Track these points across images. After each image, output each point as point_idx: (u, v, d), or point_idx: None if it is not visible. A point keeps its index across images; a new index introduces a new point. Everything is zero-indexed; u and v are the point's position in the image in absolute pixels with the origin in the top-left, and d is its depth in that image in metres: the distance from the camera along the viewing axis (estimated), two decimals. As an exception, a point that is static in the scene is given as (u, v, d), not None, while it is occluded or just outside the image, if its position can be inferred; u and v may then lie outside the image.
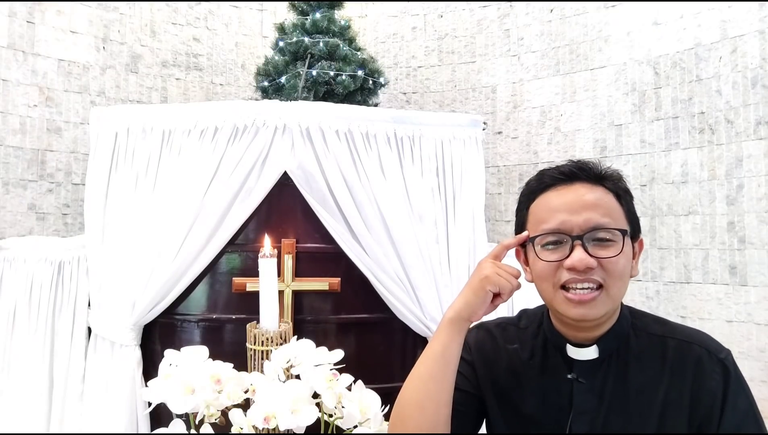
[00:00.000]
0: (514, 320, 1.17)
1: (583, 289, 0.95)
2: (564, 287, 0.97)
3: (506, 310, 2.18)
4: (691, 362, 0.98)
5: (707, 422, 0.95)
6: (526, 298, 1.39)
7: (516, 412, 1.07)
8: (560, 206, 0.99)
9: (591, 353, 1.02)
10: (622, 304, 1.06)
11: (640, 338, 1.03)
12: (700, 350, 0.98)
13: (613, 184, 1.02)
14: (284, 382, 1.34)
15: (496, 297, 1.05)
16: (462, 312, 1.05)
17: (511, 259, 1.10)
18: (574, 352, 1.04)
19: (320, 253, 2.07)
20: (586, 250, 0.95)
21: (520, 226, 1.08)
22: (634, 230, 1.02)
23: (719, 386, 0.95)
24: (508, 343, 1.12)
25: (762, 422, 0.97)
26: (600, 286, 0.96)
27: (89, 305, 2.10)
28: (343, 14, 2.84)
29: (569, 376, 1.03)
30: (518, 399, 1.07)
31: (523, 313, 1.18)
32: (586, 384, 1.02)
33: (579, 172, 1.01)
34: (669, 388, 0.98)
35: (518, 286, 1.05)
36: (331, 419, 1.32)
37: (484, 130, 2.32)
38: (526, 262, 1.06)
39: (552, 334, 1.07)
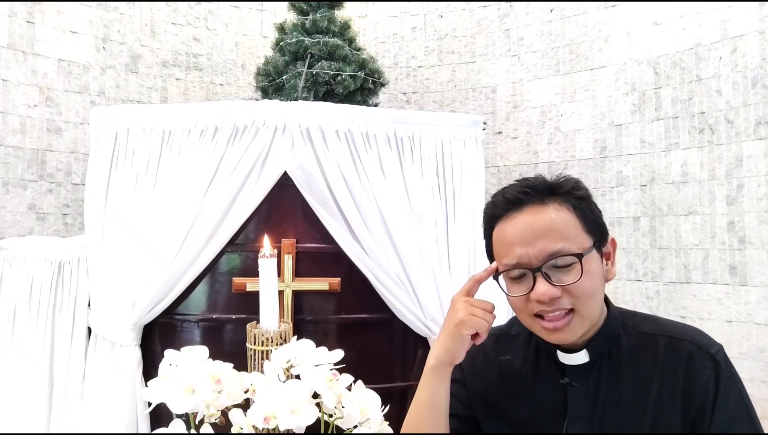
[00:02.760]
0: (505, 328, 1.17)
1: (554, 313, 0.96)
2: (538, 316, 0.98)
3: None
4: (682, 359, 0.98)
5: (700, 418, 0.94)
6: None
7: (509, 422, 1.07)
8: (514, 239, 0.99)
9: (581, 357, 1.02)
10: (611, 305, 1.06)
11: (630, 338, 1.03)
12: (691, 346, 0.98)
13: (566, 194, 1.00)
14: (284, 382, 1.34)
15: (475, 336, 1.07)
16: (443, 358, 1.06)
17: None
18: (564, 358, 1.04)
19: (320, 253, 2.07)
20: (548, 280, 0.95)
21: (489, 252, 1.09)
22: (599, 236, 1.00)
23: (711, 381, 0.95)
24: (501, 354, 1.13)
25: (755, 417, 0.96)
26: (571, 310, 0.96)
27: (89, 305, 2.10)
28: (343, 14, 2.84)
29: (562, 381, 1.03)
30: (513, 408, 1.07)
31: (515, 319, 1.17)
32: (579, 388, 1.02)
33: (524, 197, 1.01)
34: (661, 385, 0.97)
35: (494, 319, 1.07)
36: (331, 419, 1.32)
37: (484, 130, 2.32)
38: None
39: (542, 340, 1.07)
